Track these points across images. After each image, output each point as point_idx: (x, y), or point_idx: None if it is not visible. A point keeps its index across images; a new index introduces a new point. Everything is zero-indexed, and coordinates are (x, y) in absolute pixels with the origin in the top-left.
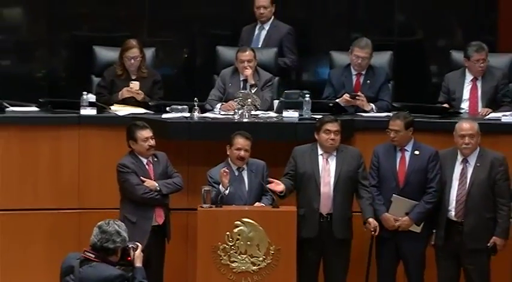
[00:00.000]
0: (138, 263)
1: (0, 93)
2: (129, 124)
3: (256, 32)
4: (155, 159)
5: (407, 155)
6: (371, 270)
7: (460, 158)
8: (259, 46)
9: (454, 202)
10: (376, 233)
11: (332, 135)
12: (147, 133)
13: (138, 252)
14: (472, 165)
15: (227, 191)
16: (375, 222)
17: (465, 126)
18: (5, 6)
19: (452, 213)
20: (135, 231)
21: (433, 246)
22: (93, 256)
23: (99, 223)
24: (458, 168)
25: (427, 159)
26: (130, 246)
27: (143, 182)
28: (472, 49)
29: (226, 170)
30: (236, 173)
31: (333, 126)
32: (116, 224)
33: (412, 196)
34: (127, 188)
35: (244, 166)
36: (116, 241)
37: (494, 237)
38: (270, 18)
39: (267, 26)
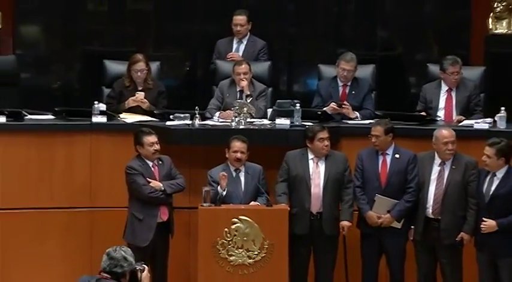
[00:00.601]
0: None
1: (20, 102)
2: (137, 130)
3: (235, 46)
4: (160, 162)
5: (388, 158)
6: (349, 264)
7: (437, 161)
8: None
9: (432, 201)
10: (345, 233)
11: (325, 142)
12: (152, 139)
13: (145, 273)
14: (448, 167)
15: (224, 192)
16: (348, 224)
17: (447, 134)
18: (24, 25)
19: (430, 210)
20: (142, 228)
21: (412, 241)
22: (109, 277)
23: (107, 250)
24: (435, 170)
25: (407, 161)
26: (138, 268)
27: (149, 182)
28: (447, 63)
29: (225, 174)
30: (234, 175)
31: (324, 134)
32: (123, 250)
33: (393, 195)
34: (135, 188)
35: (242, 168)
36: (123, 266)
37: (462, 233)
38: (247, 34)
39: (244, 41)
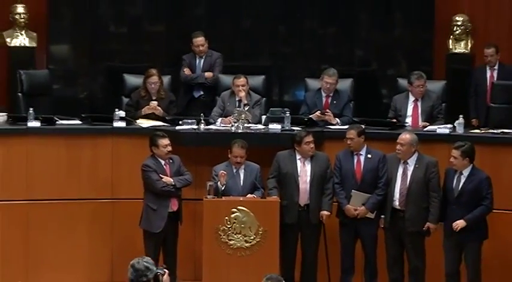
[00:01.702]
0: None
1: (52, 110)
2: (152, 134)
3: (197, 60)
4: (171, 161)
5: (362, 158)
6: (329, 248)
7: (402, 160)
8: (200, 71)
9: (398, 194)
10: (324, 221)
11: (311, 145)
12: (166, 141)
13: (166, 276)
14: (412, 166)
15: (223, 187)
16: (327, 213)
17: (400, 136)
18: (56, 44)
19: (397, 203)
20: (155, 216)
21: (382, 228)
22: None
23: (131, 262)
24: (401, 169)
25: (378, 161)
26: (159, 272)
27: (161, 178)
28: (414, 77)
29: (224, 172)
30: (234, 171)
31: (310, 138)
32: (145, 261)
33: (366, 190)
34: (149, 183)
35: (242, 166)
36: (148, 275)
37: (428, 223)
38: (207, 51)
39: (204, 55)
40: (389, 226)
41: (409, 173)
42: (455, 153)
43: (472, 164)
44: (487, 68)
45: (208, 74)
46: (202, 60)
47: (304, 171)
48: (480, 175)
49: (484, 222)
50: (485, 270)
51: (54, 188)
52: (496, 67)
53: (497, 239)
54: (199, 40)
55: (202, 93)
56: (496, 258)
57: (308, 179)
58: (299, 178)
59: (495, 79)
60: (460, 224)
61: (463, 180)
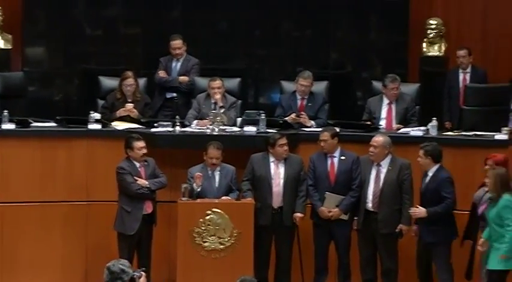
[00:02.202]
0: None
1: (27, 112)
2: (127, 136)
3: (174, 64)
4: (146, 163)
5: (335, 160)
6: (303, 250)
7: (375, 163)
8: (176, 74)
9: (371, 196)
10: (298, 223)
11: (285, 147)
12: (141, 144)
13: (142, 279)
14: (385, 168)
15: (199, 189)
16: (301, 215)
17: (373, 138)
18: (31, 46)
19: (370, 204)
20: (130, 218)
21: (355, 230)
22: None
23: (107, 265)
24: (374, 171)
25: (351, 163)
26: (136, 275)
27: (136, 181)
28: (388, 80)
29: (200, 174)
30: (210, 173)
31: (283, 141)
32: (120, 264)
33: (340, 192)
34: (124, 185)
35: (217, 168)
36: (123, 277)
37: (400, 225)
38: (184, 54)
39: (181, 59)
40: (362, 228)
41: (382, 175)
42: (420, 152)
43: (438, 165)
44: (460, 70)
45: (182, 79)
46: (178, 64)
47: (278, 173)
48: (442, 175)
49: (449, 222)
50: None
51: (28, 190)
52: (468, 70)
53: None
54: (177, 43)
55: (175, 95)
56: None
57: (281, 181)
58: (272, 181)
59: (468, 82)
60: (420, 211)
61: (427, 180)
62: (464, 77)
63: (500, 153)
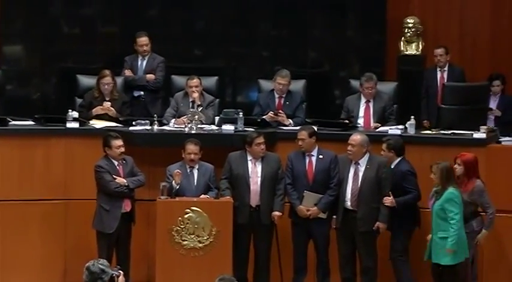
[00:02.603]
0: None
1: (4, 110)
2: (105, 135)
3: (139, 62)
4: (124, 162)
5: (313, 159)
6: (282, 248)
7: (353, 161)
8: (142, 73)
9: (350, 195)
10: (276, 222)
11: (262, 146)
12: (119, 142)
13: (121, 278)
14: (363, 167)
15: (178, 186)
16: (279, 214)
17: (351, 137)
18: (8, 45)
19: (348, 203)
20: (108, 217)
21: (334, 229)
22: None
23: (86, 265)
24: (352, 169)
25: (329, 161)
26: (114, 274)
27: (115, 179)
28: (363, 79)
29: (179, 171)
30: (188, 171)
31: (260, 139)
32: (100, 263)
33: (318, 191)
34: (102, 183)
35: (196, 166)
36: (103, 277)
37: (378, 223)
38: (149, 52)
39: (146, 57)
40: (341, 226)
41: (361, 174)
42: (383, 146)
43: (400, 158)
44: (437, 69)
45: (149, 76)
46: (144, 62)
47: (255, 172)
48: (402, 168)
49: (409, 213)
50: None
51: (6, 188)
52: (446, 68)
53: None
54: (143, 40)
55: (142, 93)
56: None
57: (259, 180)
58: (250, 179)
59: (445, 80)
60: (390, 200)
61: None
62: (441, 76)
63: (478, 152)
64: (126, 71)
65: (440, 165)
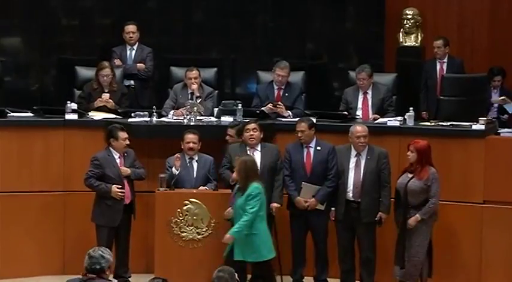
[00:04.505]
0: None
1: (3, 102)
2: (111, 126)
3: (128, 52)
4: (125, 154)
5: (311, 150)
6: (281, 239)
7: (353, 152)
8: (132, 62)
9: (352, 186)
10: (274, 213)
11: (251, 133)
12: (125, 134)
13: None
14: (364, 158)
15: (177, 172)
16: (277, 205)
17: (359, 129)
18: (7, 36)
19: (350, 194)
20: (111, 211)
21: (333, 221)
22: (93, 276)
23: (88, 251)
24: (353, 160)
25: (327, 153)
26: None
27: (119, 169)
28: (357, 71)
29: (179, 156)
30: (188, 163)
31: (250, 126)
32: (101, 250)
33: (316, 182)
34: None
35: (195, 158)
36: (101, 263)
37: (380, 213)
38: (137, 41)
39: (135, 48)
40: (342, 218)
41: (362, 165)
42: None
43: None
44: (437, 61)
45: (140, 66)
46: (133, 52)
47: None
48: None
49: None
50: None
51: (5, 180)
52: (445, 60)
53: (446, 230)
54: (131, 27)
55: (132, 82)
56: (445, 248)
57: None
58: None
59: (445, 72)
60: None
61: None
62: (441, 67)
63: (477, 143)
64: (115, 60)
65: (242, 159)
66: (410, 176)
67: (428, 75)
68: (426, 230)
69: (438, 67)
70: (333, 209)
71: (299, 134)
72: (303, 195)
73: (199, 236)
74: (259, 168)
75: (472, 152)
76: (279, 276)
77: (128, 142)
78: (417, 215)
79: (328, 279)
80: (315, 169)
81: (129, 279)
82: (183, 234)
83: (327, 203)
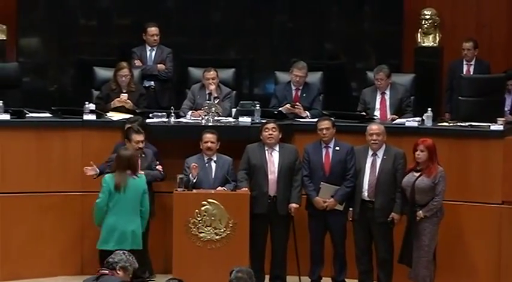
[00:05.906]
0: None
1: (22, 102)
2: (127, 127)
3: (148, 53)
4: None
5: (330, 150)
6: (299, 240)
7: (370, 152)
8: (152, 63)
9: (367, 186)
10: (293, 214)
11: (270, 132)
12: (139, 137)
13: None
14: (380, 157)
15: (195, 180)
16: (296, 205)
17: (373, 127)
18: (26, 37)
19: (366, 194)
20: None
21: (351, 221)
22: (106, 272)
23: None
24: (369, 160)
25: (346, 153)
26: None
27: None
28: (374, 70)
29: (196, 165)
30: (206, 164)
31: (268, 125)
32: (123, 251)
33: (335, 182)
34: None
35: (214, 158)
36: (115, 259)
37: (392, 213)
38: (158, 43)
39: (155, 48)
40: (358, 217)
41: (378, 165)
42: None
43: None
44: (464, 62)
45: (160, 66)
46: (153, 53)
47: (272, 161)
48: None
49: None
50: (440, 257)
51: (24, 181)
52: (472, 62)
53: (464, 231)
54: (154, 30)
55: (152, 83)
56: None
57: (276, 169)
58: (267, 169)
59: (472, 74)
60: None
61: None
62: (468, 69)
63: (495, 144)
64: (136, 61)
65: (120, 151)
66: (417, 174)
67: (454, 76)
68: (433, 229)
69: (465, 68)
70: (351, 209)
71: (324, 131)
72: (321, 195)
73: (217, 237)
74: (276, 167)
75: (491, 153)
76: (297, 276)
77: (140, 145)
78: (420, 211)
79: (346, 280)
80: (334, 169)
81: (152, 279)
82: (201, 235)
83: (346, 203)
